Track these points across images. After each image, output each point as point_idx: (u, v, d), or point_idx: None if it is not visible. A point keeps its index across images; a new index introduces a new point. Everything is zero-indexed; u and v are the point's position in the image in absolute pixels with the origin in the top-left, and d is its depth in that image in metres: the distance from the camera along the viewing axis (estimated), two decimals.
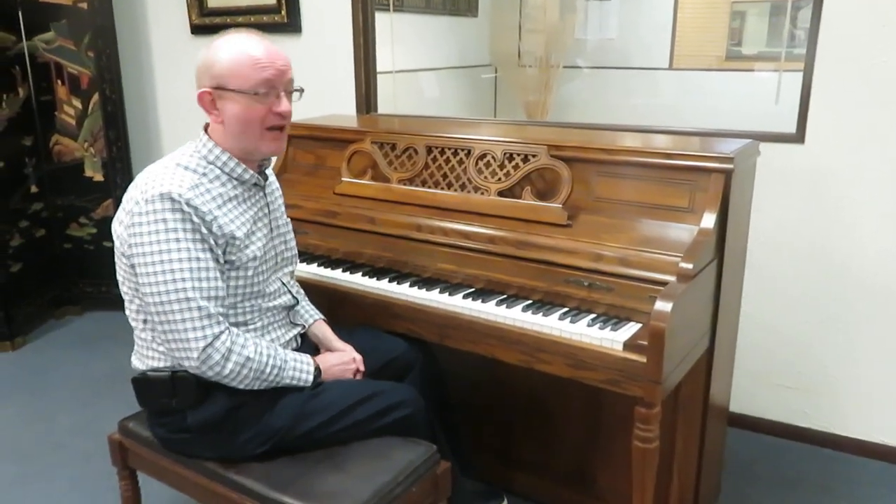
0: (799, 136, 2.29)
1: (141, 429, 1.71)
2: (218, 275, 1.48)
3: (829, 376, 2.43)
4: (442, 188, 1.99)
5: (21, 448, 2.55)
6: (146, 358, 1.58)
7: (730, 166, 1.64)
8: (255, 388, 1.53)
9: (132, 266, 1.48)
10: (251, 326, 1.61)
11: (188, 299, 1.43)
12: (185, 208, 1.43)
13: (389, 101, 3.07)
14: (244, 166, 1.58)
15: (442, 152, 2.01)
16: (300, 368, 1.60)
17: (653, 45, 3.99)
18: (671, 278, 1.56)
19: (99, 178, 3.55)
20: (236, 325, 1.57)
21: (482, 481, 2.08)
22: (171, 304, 1.43)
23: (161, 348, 1.54)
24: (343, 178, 2.14)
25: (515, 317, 1.66)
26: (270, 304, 1.65)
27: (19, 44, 3.38)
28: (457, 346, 1.76)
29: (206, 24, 3.32)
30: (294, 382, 1.58)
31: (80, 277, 3.71)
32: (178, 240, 1.43)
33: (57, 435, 2.63)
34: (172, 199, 1.42)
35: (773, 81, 2.93)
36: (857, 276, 2.31)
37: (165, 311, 1.43)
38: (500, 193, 1.89)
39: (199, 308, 1.44)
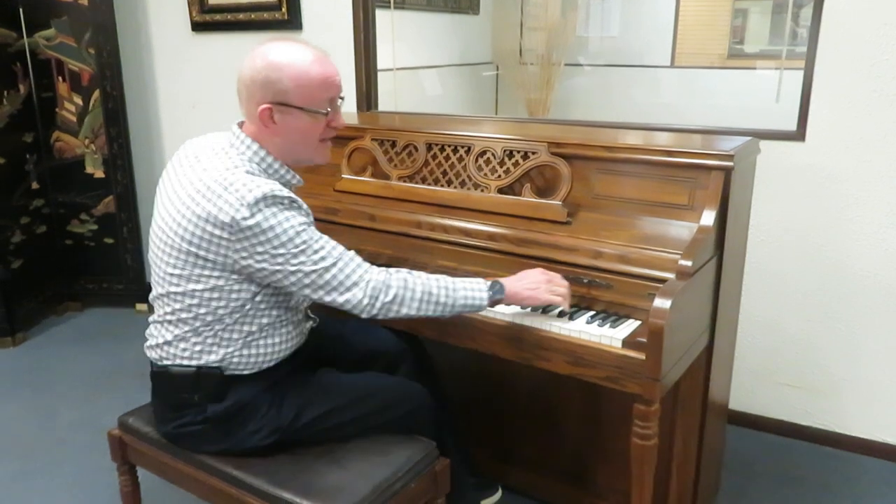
0: (799, 134, 2.28)
1: (141, 424, 1.72)
2: None
3: (831, 374, 2.43)
4: (442, 185, 1.99)
5: (22, 444, 2.56)
6: (179, 357, 1.56)
7: (730, 164, 1.64)
8: (432, 313, 1.53)
9: (252, 265, 1.45)
10: (294, 319, 1.63)
11: (335, 257, 1.46)
12: (286, 201, 1.44)
13: (390, 98, 3.07)
14: (292, 172, 1.59)
15: (442, 149, 2.01)
16: (471, 287, 1.57)
17: (654, 42, 3.98)
18: (670, 275, 1.56)
19: (100, 174, 3.55)
20: (285, 315, 1.60)
21: (476, 474, 2.08)
22: (326, 272, 1.45)
23: (197, 347, 1.54)
24: (343, 175, 2.14)
25: (514, 313, 1.66)
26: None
27: (20, 40, 3.38)
28: (456, 343, 1.76)
29: (207, 21, 3.32)
30: (470, 301, 1.56)
31: (80, 274, 3.71)
32: (302, 224, 1.45)
33: (57, 430, 2.64)
34: (275, 196, 1.42)
35: (775, 79, 2.93)
36: (858, 275, 2.31)
37: (322, 276, 1.45)
38: (500, 190, 1.89)
39: (352, 258, 1.48)
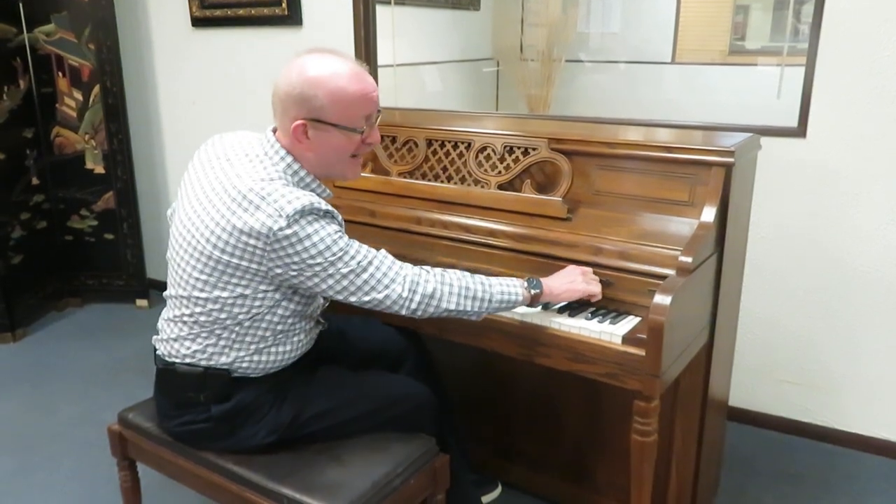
0: (801, 131, 2.28)
1: (141, 420, 1.72)
2: None
3: (830, 371, 2.43)
4: (442, 181, 1.99)
5: (22, 439, 2.56)
6: (188, 356, 1.54)
7: (730, 160, 1.63)
8: (470, 308, 1.52)
9: (287, 273, 1.44)
10: (307, 327, 1.63)
11: (370, 259, 1.46)
12: (322, 211, 1.43)
13: (391, 94, 3.07)
14: (323, 186, 1.57)
15: (442, 145, 2.01)
16: (507, 283, 1.57)
17: (655, 39, 3.97)
18: (671, 272, 1.56)
19: (100, 170, 3.55)
20: (299, 324, 1.59)
21: (476, 471, 2.08)
22: (363, 272, 1.44)
23: (209, 349, 1.53)
24: None
25: (515, 310, 1.66)
26: (320, 302, 1.69)
27: (20, 36, 3.38)
28: (456, 340, 1.76)
29: (207, 16, 3.31)
30: (507, 296, 1.55)
31: (80, 269, 3.71)
32: (337, 232, 1.44)
33: (57, 426, 2.64)
34: (315, 208, 1.41)
35: (776, 76, 2.92)
36: (859, 271, 2.31)
37: (360, 276, 1.44)
38: (501, 186, 1.89)
39: (385, 256, 1.49)
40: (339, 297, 1.47)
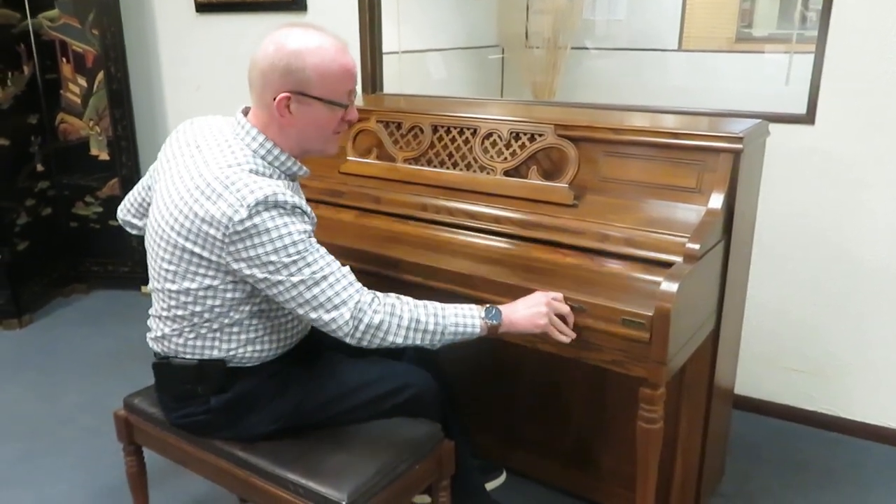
0: (809, 117, 2.26)
1: (146, 405, 1.72)
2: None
3: (837, 360, 2.43)
4: (447, 167, 1.98)
5: (28, 425, 2.57)
6: (181, 352, 1.54)
7: (738, 146, 1.62)
8: (420, 342, 1.45)
9: (242, 269, 1.40)
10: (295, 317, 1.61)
11: (325, 273, 1.39)
12: (288, 206, 1.38)
13: (395, 81, 3.05)
14: (299, 164, 1.53)
15: (448, 131, 1.99)
16: (463, 314, 1.48)
17: (662, 26, 3.94)
18: (678, 259, 1.55)
19: (104, 156, 3.55)
20: (281, 316, 1.56)
21: (480, 458, 2.08)
22: (314, 286, 1.38)
23: (198, 343, 1.52)
24: (348, 157, 2.12)
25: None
26: None
27: (24, 21, 3.36)
28: None
29: (212, 1, 3.30)
30: (462, 328, 1.47)
31: (86, 256, 3.72)
32: (302, 232, 1.39)
33: (63, 412, 2.65)
34: (277, 200, 1.36)
35: (784, 63, 2.91)
36: (866, 259, 2.30)
37: (311, 290, 1.38)
38: (506, 173, 1.88)
39: (344, 275, 1.41)
40: (288, 307, 1.42)
